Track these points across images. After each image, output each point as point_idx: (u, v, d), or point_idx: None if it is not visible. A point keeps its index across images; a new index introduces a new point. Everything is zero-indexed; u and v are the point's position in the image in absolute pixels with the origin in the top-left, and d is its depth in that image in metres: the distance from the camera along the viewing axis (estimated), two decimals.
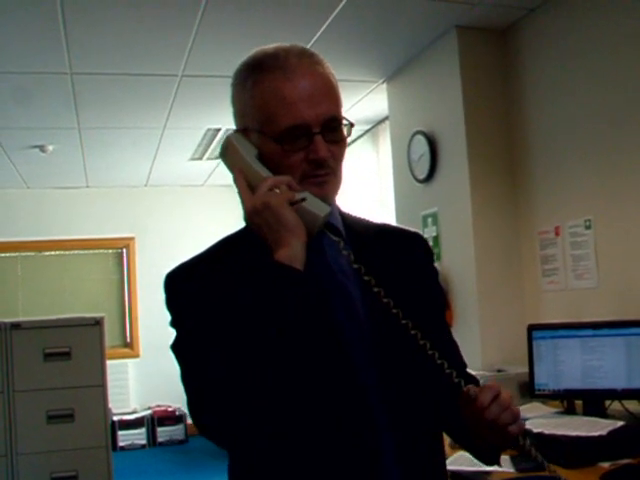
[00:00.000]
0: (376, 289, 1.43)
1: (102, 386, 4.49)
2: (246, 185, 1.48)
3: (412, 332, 1.40)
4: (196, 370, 1.36)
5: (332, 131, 1.45)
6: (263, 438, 1.36)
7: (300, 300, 1.34)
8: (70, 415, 4.42)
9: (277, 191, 1.41)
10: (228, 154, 1.51)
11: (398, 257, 1.57)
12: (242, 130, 1.50)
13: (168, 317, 1.48)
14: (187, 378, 1.39)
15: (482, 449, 1.52)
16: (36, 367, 4.40)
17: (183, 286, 1.47)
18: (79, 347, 4.47)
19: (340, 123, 1.47)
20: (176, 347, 1.44)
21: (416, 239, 1.70)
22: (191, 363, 1.39)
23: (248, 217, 1.45)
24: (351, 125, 1.49)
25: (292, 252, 1.37)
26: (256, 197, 1.43)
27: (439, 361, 1.41)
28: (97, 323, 4.55)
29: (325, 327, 1.40)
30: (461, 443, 1.66)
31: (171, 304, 1.48)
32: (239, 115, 1.51)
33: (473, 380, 1.56)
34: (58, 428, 4.42)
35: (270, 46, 1.51)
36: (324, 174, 1.45)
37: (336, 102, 1.47)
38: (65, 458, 4.45)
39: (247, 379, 1.29)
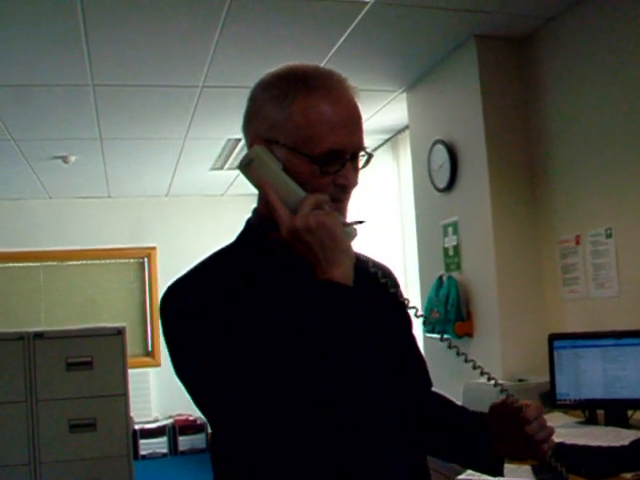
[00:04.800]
0: (414, 311, 1.56)
1: (124, 395, 4.52)
2: (280, 201, 1.46)
3: (452, 347, 1.58)
4: (240, 391, 1.33)
5: (356, 159, 1.50)
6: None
7: (363, 320, 1.35)
8: (92, 424, 4.45)
9: (324, 209, 1.43)
10: (254, 167, 1.50)
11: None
12: (267, 142, 1.48)
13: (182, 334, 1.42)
14: (227, 400, 1.36)
15: (491, 460, 1.64)
16: (58, 376, 4.44)
17: (206, 300, 1.42)
18: (101, 356, 4.52)
19: (363, 153, 1.52)
20: (206, 368, 1.38)
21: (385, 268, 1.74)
22: (233, 383, 1.35)
23: (294, 234, 1.41)
24: (369, 156, 1.53)
25: (347, 272, 1.38)
26: (307, 216, 1.41)
27: (488, 374, 1.57)
28: (119, 333, 4.60)
29: (377, 347, 1.42)
30: (456, 458, 1.78)
31: (194, 321, 1.41)
32: (266, 127, 1.48)
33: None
34: (80, 437, 4.45)
35: (308, 65, 1.52)
36: (344, 199, 1.50)
37: (363, 132, 1.51)
38: (87, 467, 4.49)
39: (311, 401, 1.29)
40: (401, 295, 1.58)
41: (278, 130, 1.46)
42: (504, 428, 1.57)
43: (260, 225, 1.57)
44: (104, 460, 4.50)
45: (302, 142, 1.43)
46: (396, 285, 1.68)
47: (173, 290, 1.47)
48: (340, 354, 1.30)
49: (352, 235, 1.46)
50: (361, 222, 1.49)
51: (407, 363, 1.69)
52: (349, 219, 1.51)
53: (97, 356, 4.49)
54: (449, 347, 1.60)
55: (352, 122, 1.47)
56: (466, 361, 1.53)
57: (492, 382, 1.56)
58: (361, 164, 1.53)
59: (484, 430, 1.62)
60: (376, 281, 1.55)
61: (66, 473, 4.46)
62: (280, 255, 1.48)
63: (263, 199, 1.52)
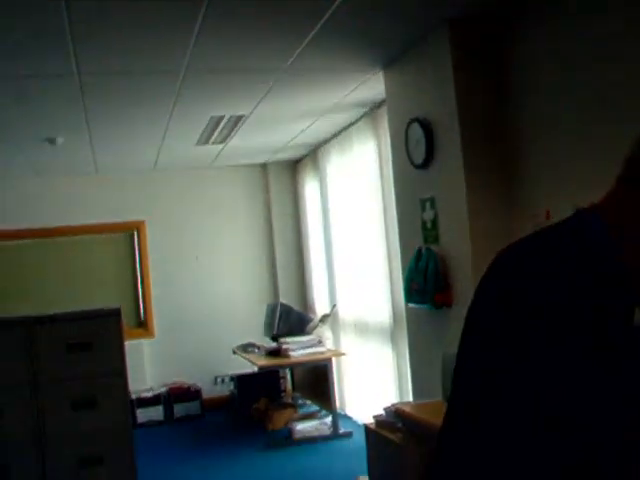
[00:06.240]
0: None
1: (122, 373, 4.74)
2: None
3: None
4: None
5: None
6: None
7: None
8: (93, 402, 4.67)
9: None
10: None
11: None
12: None
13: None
14: None
15: None
16: (60, 359, 4.65)
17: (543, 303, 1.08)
18: (99, 337, 4.72)
19: None
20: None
21: None
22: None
23: None
24: None
25: None
26: None
27: None
28: (115, 314, 4.80)
29: None
30: None
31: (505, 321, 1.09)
32: None
33: None
34: (82, 414, 4.68)
35: None
36: None
37: None
38: (90, 441, 4.72)
39: None
40: None
41: None
42: None
43: (610, 243, 1.16)
44: (106, 434, 4.72)
45: None
46: None
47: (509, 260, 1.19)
48: None
49: None
50: None
51: None
52: None
53: (95, 337, 4.69)
54: None
55: None
56: None
57: None
58: None
59: None
60: None
61: (70, 448, 4.69)
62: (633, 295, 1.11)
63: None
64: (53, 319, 4.77)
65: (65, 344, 4.64)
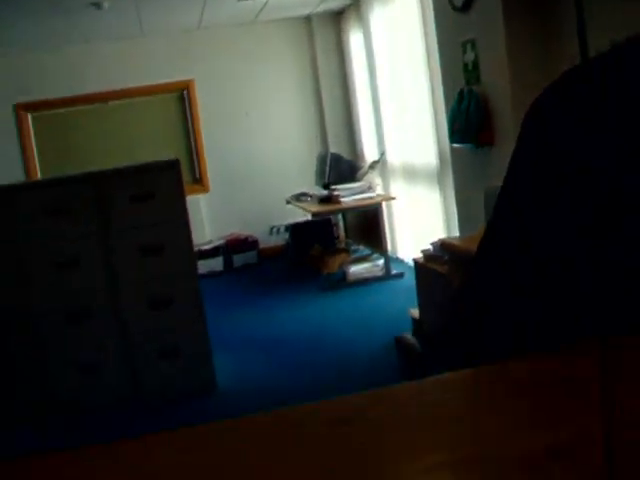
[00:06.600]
0: None
1: (185, 222, 5.04)
2: None
3: None
4: None
5: None
6: None
7: None
8: (160, 249, 5.01)
9: None
10: None
11: None
12: None
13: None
14: None
15: None
16: (125, 210, 4.96)
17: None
18: (161, 188, 5.00)
19: None
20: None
21: None
22: None
23: None
24: None
25: None
26: None
27: None
28: (174, 165, 5.08)
29: None
30: None
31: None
32: None
33: None
34: (150, 260, 5.03)
35: None
36: None
37: None
38: (159, 284, 5.09)
39: None
40: None
41: None
42: None
43: None
44: (173, 278, 5.09)
45: None
46: None
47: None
48: None
49: None
50: None
51: None
52: None
53: (157, 188, 4.98)
54: None
55: None
56: None
57: None
58: None
59: None
60: None
61: (141, 292, 5.07)
62: None
63: None
64: (117, 173, 5.08)
65: (129, 195, 4.93)
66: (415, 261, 5.35)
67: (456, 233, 6.00)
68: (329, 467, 0.77)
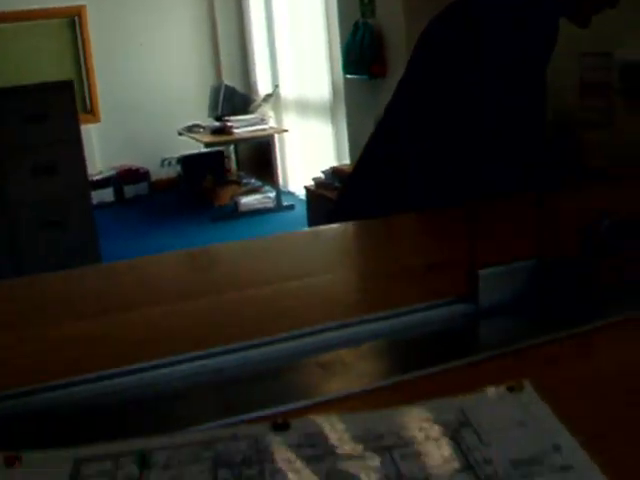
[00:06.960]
0: None
1: (79, 141, 5.02)
2: None
3: None
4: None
5: None
6: None
7: None
8: (53, 169, 4.97)
9: None
10: None
11: None
12: None
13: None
14: None
15: None
16: (17, 130, 4.89)
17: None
18: (54, 109, 4.96)
19: None
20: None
21: None
22: None
23: None
24: None
25: None
26: None
27: None
28: (68, 86, 5.03)
29: None
30: None
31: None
32: None
33: None
34: (43, 181, 4.99)
35: None
36: None
37: None
38: (50, 206, 5.06)
39: None
40: None
41: None
42: None
43: None
44: (66, 199, 5.07)
45: None
46: None
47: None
48: None
49: None
50: None
51: None
52: None
53: (50, 109, 4.93)
54: None
55: None
56: None
57: None
58: None
59: None
60: None
61: (33, 214, 5.04)
62: None
63: None
64: (10, 91, 4.99)
65: (21, 115, 4.86)
66: (307, 188, 5.49)
67: (347, 161, 6.16)
68: None
